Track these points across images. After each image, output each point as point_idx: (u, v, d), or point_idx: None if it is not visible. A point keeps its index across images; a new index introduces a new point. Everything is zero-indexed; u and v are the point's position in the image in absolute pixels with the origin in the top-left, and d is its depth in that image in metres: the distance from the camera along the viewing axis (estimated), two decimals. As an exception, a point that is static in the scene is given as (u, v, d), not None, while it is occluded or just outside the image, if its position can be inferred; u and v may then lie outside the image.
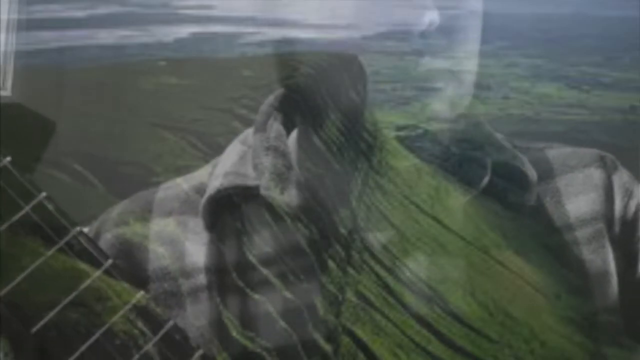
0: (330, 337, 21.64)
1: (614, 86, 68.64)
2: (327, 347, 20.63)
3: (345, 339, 23.94)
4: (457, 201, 45.01)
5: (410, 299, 30.41)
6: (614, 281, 39.66)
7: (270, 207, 24.15)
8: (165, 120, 25.60)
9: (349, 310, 25.98)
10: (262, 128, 24.21)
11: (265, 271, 22.91)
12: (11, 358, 10.24)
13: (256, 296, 18.64)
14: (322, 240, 25.29)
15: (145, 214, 20.12)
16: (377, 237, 32.90)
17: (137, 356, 13.00)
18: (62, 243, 12.79)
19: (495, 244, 43.24)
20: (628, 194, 40.41)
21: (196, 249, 19.24)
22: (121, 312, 12.37)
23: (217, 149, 21.32)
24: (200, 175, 23.21)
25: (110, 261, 13.39)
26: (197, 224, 20.63)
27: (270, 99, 25.57)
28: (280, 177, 25.10)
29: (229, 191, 22.37)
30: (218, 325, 18.75)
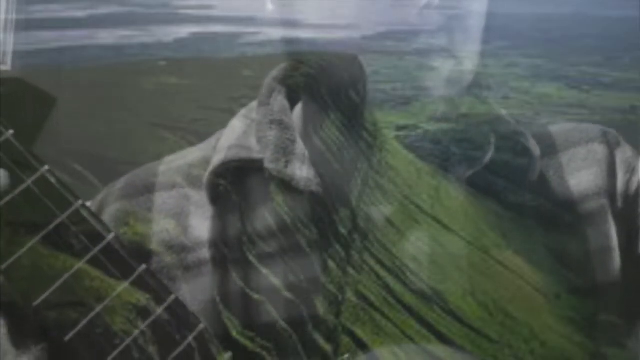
0: (330, 337, 21.48)
1: (614, 86, 68.03)
2: (327, 347, 20.50)
3: (345, 339, 23.72)
4: (457, 201, 44.65)
5: (410, 299, 30.05)
6: (616, 256, 39.19)
7: (275, 180, 23.70)
8: (165, 120, 25.58)
9: (349, 310, 25.65)
10: (266, 102, 23.80)
11: (268, 245, 22.58)
12: (11, 358, 10.19)
13: (256, 296, 18.49)
14: (322, 240, 24.81)
15: (148, 189, 19.79)
16: (377, 237, 32.56)
17: (134, 335, 12.88)
18: (64, 217, 12.62)
19: (495, 244, 42.91)
20: (630, 170, 39.99)
21: (200, 223, 19.01)
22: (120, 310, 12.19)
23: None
24: (204, 148, 22.85)
25: (112, 234, 13.30)
26: (201, 198, 20.34)
27: (274, 73, 25.06)
28: (285, 151, 24.72)
29: (233, 164, 21.92)
30: (220, 300, 18.29)
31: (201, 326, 13.75)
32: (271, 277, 20.71)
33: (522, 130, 61.74)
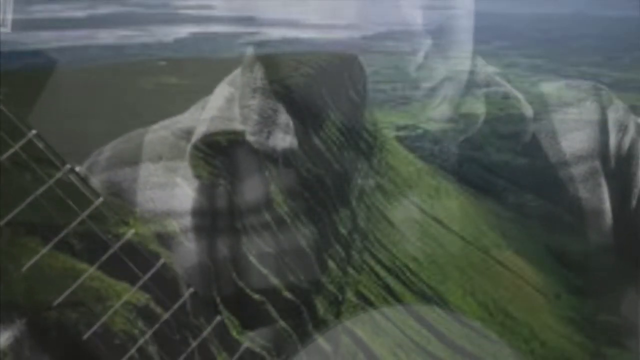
0: (330, 337, 21.41)
1: (614, 86, 67.78)
2: (327, 347, 20.45)
3: (345, 339, 23.64)
4: (457, 201, 44.67)
5: (410, 299, 30.02)
6: (608, 218, 40.08)
7: (256, 152, 23.55)
8: (165, 120, 25.48)
9: (349, 310, 25.59)
10: (249, 68, 23.76)
11: (253, 218, 22.58)
12: (11, 358, 10.19)
13: (256, 296, 18.46)
14: (322, 239, 24.83)
15: (134, 160, 19.69)
16: (377, 237, 32.57)
17: (136, 287, 12.81)
18: (52, 181, 12.54)
19: (495, 244, 42.90)
20: (623, 129, 40.74)
21: (185, 194, 18.98)
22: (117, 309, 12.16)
23: (217, 149, 21.24)
24: (188, 118, 22.82)
25: (100, 199, 13.28)
26: (186, 170, 20.25)
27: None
28: (267, 121, 24.59)
29: (215, 137, 21.96)
30: (207, 269, 18.25)
31: (190, 290, 13.93)
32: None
33: (515, 93, 62.01)
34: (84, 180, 14.32)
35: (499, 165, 60.43)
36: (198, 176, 19.52)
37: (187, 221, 18.39)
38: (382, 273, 34.23)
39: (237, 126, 22.42)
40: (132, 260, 13.80)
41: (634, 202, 52.82)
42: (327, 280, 27.60)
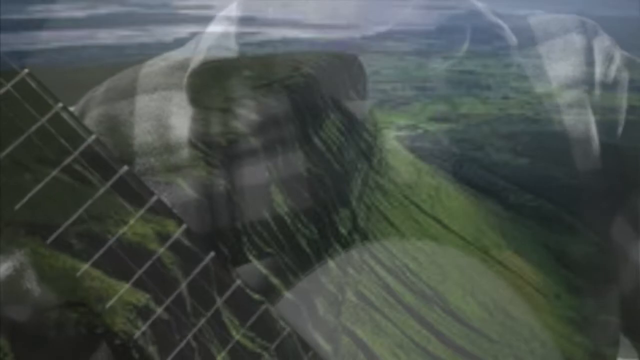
0: (330, 337, 21.44)
1: (614, 86, 67.31)
2: (327, 347, 20.49)
3: (345, 339, 23.66)
4: (457, 201, 44.60)
5: (410, 299, 30.01)
6: (595, 145, 40.13)
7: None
8: (166, 120, 25.53)
9: (349, 310, 25.59)
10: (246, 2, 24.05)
11: (253, 141, 22.65)
12: (11, 358, 10.20)
13: (256, 296, 18.51)
14: (322, 239, 24.82)
15: (130, 93, 19.84)
16: (377, 237, 32.48)
17: (129, 226, 12.81)
18: (45, 119, 12.62)
19: (495, 244, 42.85)
20: (609, 59, 40.97)
21: (181, 123, 19.07)
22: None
23: (217, 149, 21.27)
24: (184, 51, 23.04)
25: (94, 136, 13.34)
26: (182, 99, 20.43)
27: None
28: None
29: (213, 64, 22.10)
30: (205, 202, 18.36)
31: (184, 226, 14.06)
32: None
33: (499, 22, 61.98)
34: (76, 118, 14.34)
35: (499, 165, 60.49)
36: (195, 104, 19.74)
37: (184, 151, 18.54)
38: (382, 273, 34.23)
39: (234, 54, 22.50)
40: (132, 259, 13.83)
41: (619, 130, 53.54)
42: (327, 280, 27.59)
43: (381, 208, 43.61)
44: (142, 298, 13.44)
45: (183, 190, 18.34)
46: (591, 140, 49.95)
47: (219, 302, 15.06)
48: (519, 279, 46.46)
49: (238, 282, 15.05)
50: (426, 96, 77.09)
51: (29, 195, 11.90)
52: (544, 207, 58.38)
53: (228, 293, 15.46)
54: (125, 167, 13.57)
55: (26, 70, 13.29)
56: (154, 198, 14.13)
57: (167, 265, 15.81)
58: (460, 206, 54.66)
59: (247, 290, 16.33)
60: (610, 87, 57.04)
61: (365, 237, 37.31)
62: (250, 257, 21.47)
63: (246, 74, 34.07)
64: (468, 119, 71.76)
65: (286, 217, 26.61)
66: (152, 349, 13.27)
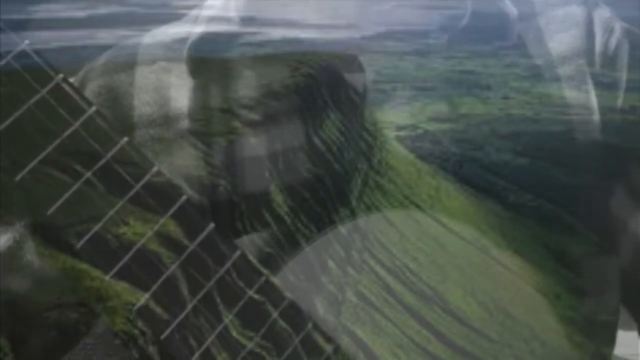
0: (330, 337, 21.42)
1: (614, 86, 67.50)
2: (327, 347, 20.50)
3: (345, 339, 23.63)
4: (457, 201, 44.54)
5: (410, 299, 29.95)
6: (595, 116, 40.54)
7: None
8: (166, 120, 25.55)
9: (349, 310, 25.55)
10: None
11: (250, 115, 22.69)
12: (11, 358, 10.20)
13: (256, 296, 18.48)
14: (322, 239, 24.78)
15: (130, 65, 19.87)
16: (377, 237, 32.46)
17: (128, 197, 12.83)
18: (45, 90, 12.68)
19: (495, 244, 42.75)
20: (609, 30, 41.18)
21: (181, 95, 19.15)
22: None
23: (217, 149, 21.25)
24: (184, 24, 23.26)
25: (94, 108, 13.38)
26: (181, 70, 20.52)
27: None
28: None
29: (213, 37, 22.42)
30: (202, 172, 18.43)
31: (184, 197, 14.07)
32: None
33: None
34: (76, 89, 14.40)
35: (499, 165, 60.46)
36: (194, 75, 19.84)
37: (184, 122, 18.61)
38: (382, 273, 34.21)
39: (235, 28, 22.56)
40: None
41: (619, 102, 53.91)
42: (327, 280, 27.58)
43: (381, 208, 43.60)
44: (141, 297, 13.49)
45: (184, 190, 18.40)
46: (592, 112, 50.21)
47: (214, 282, 15.06)
48: (519, 279, 46.43)
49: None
50: (426, 96, 77.09)
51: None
52: (544, 207, 58.37)
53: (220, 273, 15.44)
54: (125, 138, 13.57)
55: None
56: (154, 169, 14.07)
57: (167, 265, 15.81)
58: (460, 206, 54.62)
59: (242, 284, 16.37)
60: (610, 58, 57.37)
61: (365, 237, 37.29)
62: (250, 257, 21.51)
63: (246, 74, 34.09)
64: (468, 119, 71.74)
65: (286, 217, 26.61)
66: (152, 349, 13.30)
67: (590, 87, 51.57)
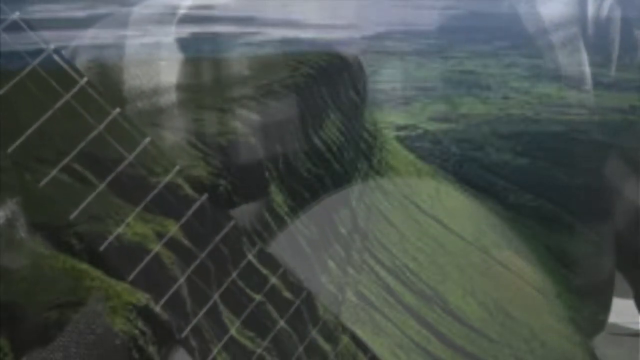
0: (330, 337, 21.44)
1: (614, 86, 67.62)
2: (327, 347, 20.48)
3: (345, 339, 23.63)
4: (457, 201, 44.55)
5: (410, 299, 29.96)
6: (588, 82, 41.05)
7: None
8: (166, 120, 25.54)
9: (349, 310, 25.55)
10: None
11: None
12: (11, 359, 10.20)
13: (256, 296, 18.48)
14: (322, 239, 24.80)
15: (119, 38, 20.04)
16: (377, 237, 32.47)
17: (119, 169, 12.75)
18: (36, 62, 12.77)
19: (495, 244, 42.78)
20: None
21: (171, 68, 19.24)
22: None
23: (217, 149, 21.26)
24: None
25: (85, 79, 13.44)
26: (172, 44, 20.80)
27: None
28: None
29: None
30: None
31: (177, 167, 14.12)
32: (271, 277, 20.82)
33: None
34: (68, 61, 14.47)
35: (499, 165, 60.46)
36: (185, 48, 19.96)
37: (174, 95, 18.71)
38: (382, 273, 34.21)
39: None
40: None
41: (613, 68, 54.05)
42: (327, 280, 27.60)
43: (381, 208, 43.58)
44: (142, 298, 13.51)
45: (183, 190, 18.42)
46: (584, 78, 50.49)
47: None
48: (519, 279, 46.42)
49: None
50: (426, 96, 77.06)
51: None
52: (544, 207, 58.35)
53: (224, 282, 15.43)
54: (118, 109, 13.62)
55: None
56: (147, 140, 14.16)
57: (168, 265, 15.81)
58: (460, 206, 54.60)
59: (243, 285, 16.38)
60: (602, 24, 57.66)
61: (365, 237, 37.30)
62: (250, 257, 21.52)
63: (246, 74, 34.07)
64: (468, 119, 71.71)
65: (286, 217, 26.62)
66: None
67: (584, 53, 51.90)
